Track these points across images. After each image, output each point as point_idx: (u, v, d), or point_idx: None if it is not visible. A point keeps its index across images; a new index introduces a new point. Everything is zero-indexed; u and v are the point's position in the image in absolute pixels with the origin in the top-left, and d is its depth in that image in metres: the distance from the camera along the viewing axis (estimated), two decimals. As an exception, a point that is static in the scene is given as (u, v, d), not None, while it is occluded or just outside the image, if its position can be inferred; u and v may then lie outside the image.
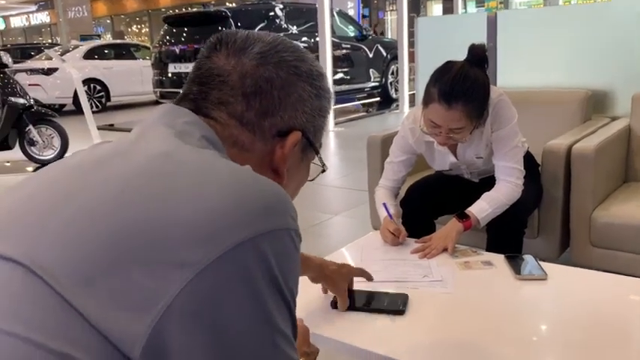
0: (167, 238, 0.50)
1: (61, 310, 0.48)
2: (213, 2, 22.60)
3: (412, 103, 7.83)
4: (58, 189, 0.57)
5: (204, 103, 0.69)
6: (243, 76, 0.69)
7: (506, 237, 1.88)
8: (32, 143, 5.46)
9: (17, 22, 33.11)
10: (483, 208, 1.80)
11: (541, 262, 1.54)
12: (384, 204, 1.88)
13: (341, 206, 3.78)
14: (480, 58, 1.75)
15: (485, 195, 1.83)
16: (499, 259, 1.58)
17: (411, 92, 7.97)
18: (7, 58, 5.72)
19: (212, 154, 0.62)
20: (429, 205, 2.04)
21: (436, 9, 13.37)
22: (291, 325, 0.57)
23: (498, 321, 1.27)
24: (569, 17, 2.90)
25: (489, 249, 1.84)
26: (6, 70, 5.57)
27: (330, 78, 7.11)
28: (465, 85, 1.67)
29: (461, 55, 1.77)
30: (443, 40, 3.32)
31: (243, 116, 0.68)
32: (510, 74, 3.01)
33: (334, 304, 1.31)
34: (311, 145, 0.75)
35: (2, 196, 0.60)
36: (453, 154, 1.96)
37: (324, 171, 0.81)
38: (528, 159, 2.01)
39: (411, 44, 7.26)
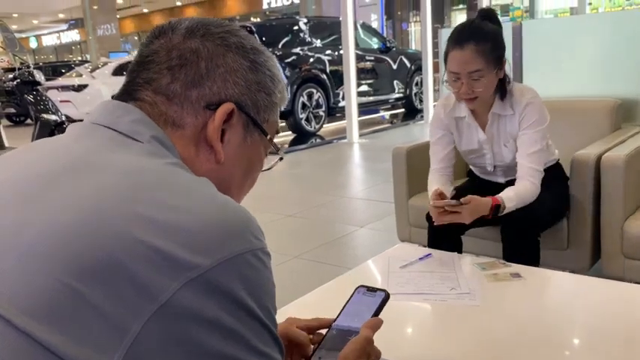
0: (128, 269, 0.49)
1: (25, 345, 0.46)
2: (238, 18, 22.92)
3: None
4: (6, 217, 0.53)
5: (132, 86, 0.67)
6: (169, 50, 0.66)
7: (520, 248, 1.85)
8: (64, 158, 5.60)
9: (49, 40, 34.08)
10: (511, 197, 1.80)
11: (572, 274, 1.51)
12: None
13: (367, 218, 3.78)
14: (488, 14, 1.87)
15: (510, 189, 1.83)
16: (528, 271, 1.56)
17: (435, 103, 7.94)
18: (39, 76, 5.89)
19: (161, 172, 0.59)
20: None
21: (460, 19, 13.33)
22: (272, 342, 0.57)
23: (528, 334, 1.25)
24: (596, 26, 2.87)
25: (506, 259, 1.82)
26: (39, 87, 5.74)
27: (354, 90, 7.13)
28: (472, 28, 1.80)
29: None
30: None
31: (168, 89, 0.65)
32: (537, 84, 2.95)
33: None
34: (254, 123, 0.70)
35: None
36: (481, 129, 1.98)
37: (281, 159, 0.76)
38: (557, 170, 1.98)
39: (435, 55, 7.25)
